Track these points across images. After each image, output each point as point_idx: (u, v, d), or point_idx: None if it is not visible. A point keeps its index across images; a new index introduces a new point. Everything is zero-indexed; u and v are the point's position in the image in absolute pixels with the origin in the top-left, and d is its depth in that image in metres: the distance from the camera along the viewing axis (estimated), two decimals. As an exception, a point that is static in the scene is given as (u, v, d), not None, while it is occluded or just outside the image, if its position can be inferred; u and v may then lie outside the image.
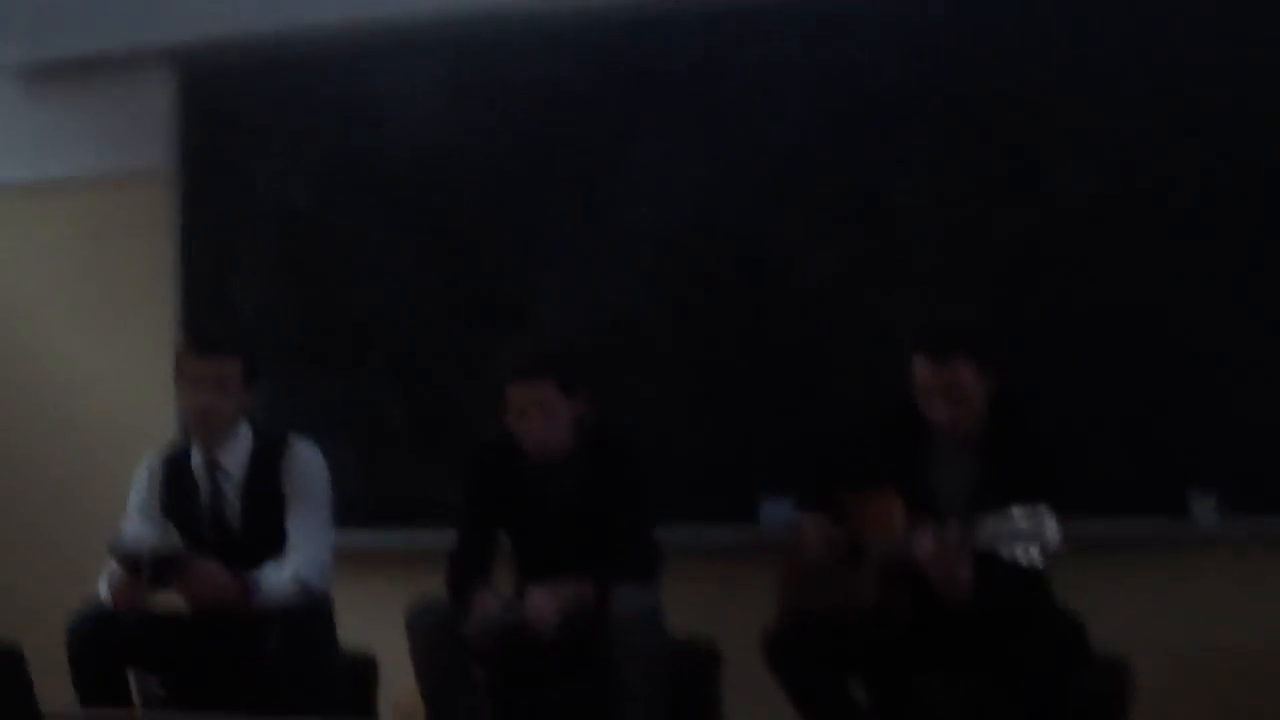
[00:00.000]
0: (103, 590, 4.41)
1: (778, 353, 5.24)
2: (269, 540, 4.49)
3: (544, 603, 4.22)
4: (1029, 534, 3.65)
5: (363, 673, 4.65)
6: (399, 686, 4.55)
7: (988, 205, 5.06)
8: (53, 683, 4.38)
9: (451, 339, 5.58)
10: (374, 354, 5.68)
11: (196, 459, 4.60)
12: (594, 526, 4.39)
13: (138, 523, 4.63)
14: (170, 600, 4.40)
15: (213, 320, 5.76)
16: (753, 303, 5.27)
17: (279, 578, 4.38)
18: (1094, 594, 4.25)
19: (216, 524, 4.56)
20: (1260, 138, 4.85)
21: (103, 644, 4.32)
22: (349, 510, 4.93)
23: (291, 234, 5.81)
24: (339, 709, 4.33)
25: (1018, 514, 3.69)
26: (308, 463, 4.61)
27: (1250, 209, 4.84)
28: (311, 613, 4.41)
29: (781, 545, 4.53)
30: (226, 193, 5.90)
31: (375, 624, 4.50)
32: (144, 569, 4.22)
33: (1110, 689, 4.09)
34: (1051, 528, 3.63)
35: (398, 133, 5.67)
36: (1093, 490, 4.65)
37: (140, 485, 4.68)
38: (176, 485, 4.62)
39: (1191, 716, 4.67)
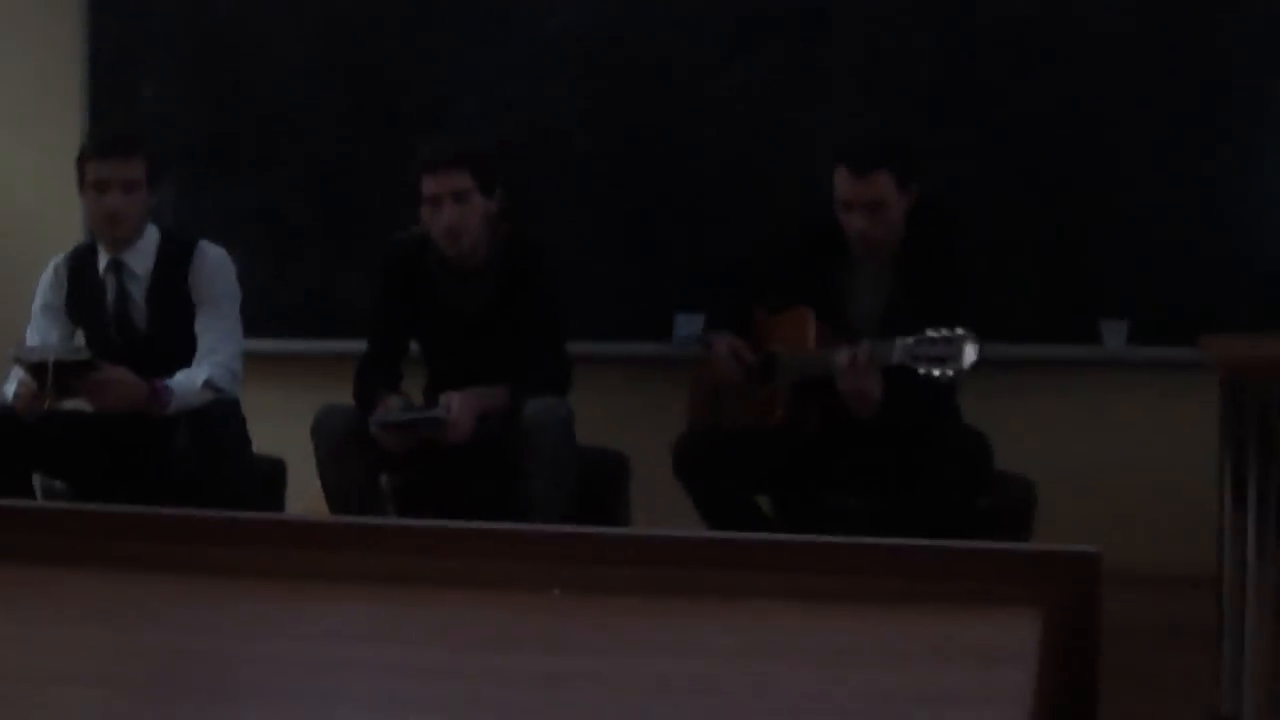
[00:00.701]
0: (8, 392, 4.34)
1: (696, 165, 5.20)
2: (176, 343, 4.44)
3: (462, 408, 4.20)
4: (944, 355, 3.66)
5: (271, 476, 4.63)
6: (307, 490, 4.54)
7: (909, 21, 5.00)
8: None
9: (363, 143, 5.50)
10: (285, 157, 5.59)
11: (102, 261, 4.53)
12: (506, 336, 4.37)
13: (42, 325, 4.56)
14: (78, 404, 4.35)
15: (118, 120, 5.63)
16: (671, 112, 5.22)
17: (190, 383, 4.33)
18: (1002, 414, 4.29)
19: (122, 327, 4.50)
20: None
21: (7, 445, 4.27)
22: (259, 315, 4.88)
23: (203, 32, 5.67)
24: (247, 510, 4.31)
25: (934, 335, 3.70)
26: (216, 266, 4.55)
27: (1174, 35, 4.82)
28: (221, 416, 4.37)
29: (694, 360, 4.54)
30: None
31: (285, 428, 4.47)
32: (50, 376, 4.15)
33: (1014, 505, 4.14)
34: (970, 351, 3.64)
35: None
36: (1006, 315, 4.68)
37: (45, 287, 4.59)
38: (82, 287, 4.55)
39: (1092, 531, 4.73)
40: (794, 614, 1.53)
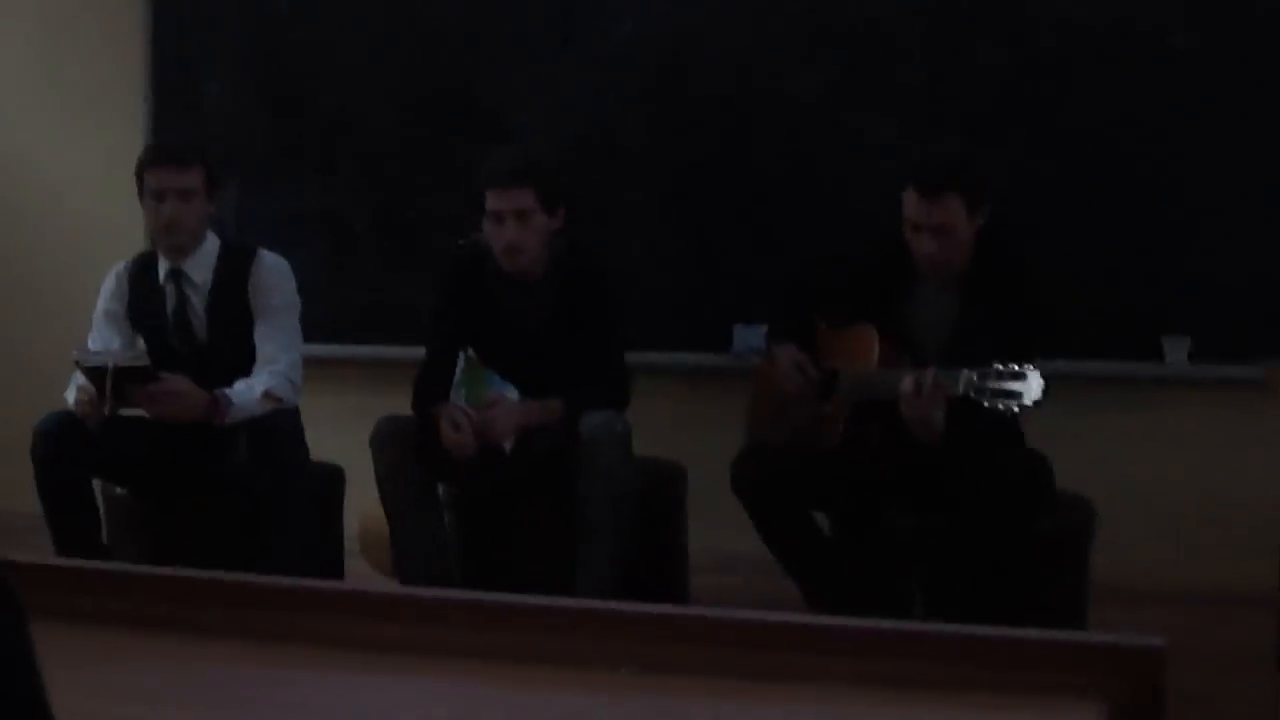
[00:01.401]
0: (70, 398, 4.37)
1: (756, 175, 5.18)
2: (235, 351, 4.47)
3: (503, 414, 4.23)
4: (1009, 390, 3.64)
5: (330, 483, 4.65)
6: (366, 496, 4.55)
7: (972, 33, 4.96)
8: (18, 487, 4.40)
9: (424, 148, 5.51)
10: (345, 162, 5.62)
11: (162, 269, 4.55)
12: (563, 350, 4.38)
13: (104, 331, 4.59)
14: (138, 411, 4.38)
15: (180, 128, 5.67)
16: (732, 122, 5.19)
17: (249, 393, 4.35)
18: (1062, 432, 4.25)
19: (182, 334, 4.53)
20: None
21: (68, 450, 4.28)
22: (318, 321, 4.89)
23: (265, 36, 5.70)
24: (306, 519, 4.34)
25: (1000, 369, 3.67)
26: (275, 274, 4.56)
27: (1234, 49, 4.76)
28: (279, 426, 4.39)
29: (753, 372, 4.53)
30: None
31: (342, 434, 4.50)
32: (109, 382, 4.18)
33: (1074, 526, 4.11)
34: (1035, 386, 3.62)
35: (373, -64, 5.55)
36: (1066, 332, 4.62)
37: (107, 294, 4.63)
38: (143, 295, 4.58)
39: (1153, 552, 4.72)
40: (859, 700, 1.53)
